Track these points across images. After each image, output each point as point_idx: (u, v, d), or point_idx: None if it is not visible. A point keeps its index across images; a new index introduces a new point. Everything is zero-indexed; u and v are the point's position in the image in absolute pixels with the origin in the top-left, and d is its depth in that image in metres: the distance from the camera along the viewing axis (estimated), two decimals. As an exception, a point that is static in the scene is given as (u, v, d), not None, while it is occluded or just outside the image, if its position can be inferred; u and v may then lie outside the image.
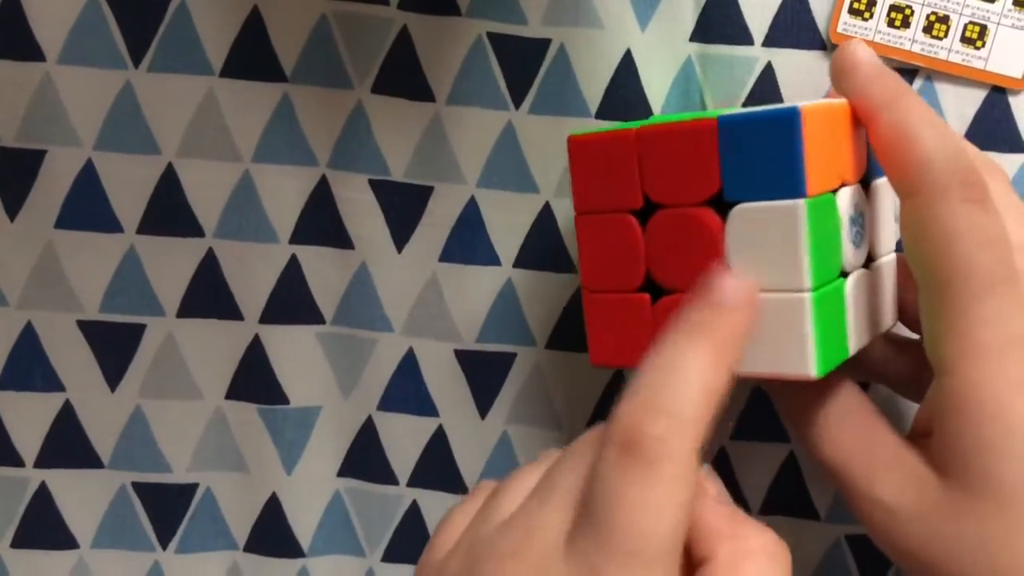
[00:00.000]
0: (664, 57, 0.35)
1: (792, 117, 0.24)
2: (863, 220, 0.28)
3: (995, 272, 0.25)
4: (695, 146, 0.26)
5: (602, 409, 0.36)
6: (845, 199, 0.27)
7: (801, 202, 0.24)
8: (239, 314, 0.36)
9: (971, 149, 0.30)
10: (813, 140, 0.25)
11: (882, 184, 0.29)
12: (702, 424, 0.23)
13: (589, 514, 0.23)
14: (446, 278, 0.36)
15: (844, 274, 0.27)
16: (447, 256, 0.36)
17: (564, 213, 0.35)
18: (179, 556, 0.37)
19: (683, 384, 0.24)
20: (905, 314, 0.31)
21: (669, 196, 0.27)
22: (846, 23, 0.34)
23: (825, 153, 0.26)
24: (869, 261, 0.29)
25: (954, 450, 0.25)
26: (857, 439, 0.28)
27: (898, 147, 0.26)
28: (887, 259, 0.30)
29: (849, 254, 0.27)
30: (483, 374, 0.36)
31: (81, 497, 0.37)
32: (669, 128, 0.26)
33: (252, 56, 0.35)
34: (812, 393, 0.29)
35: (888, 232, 0.30)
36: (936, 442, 0.26)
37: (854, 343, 0.27)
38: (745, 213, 0.25)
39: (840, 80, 0.28)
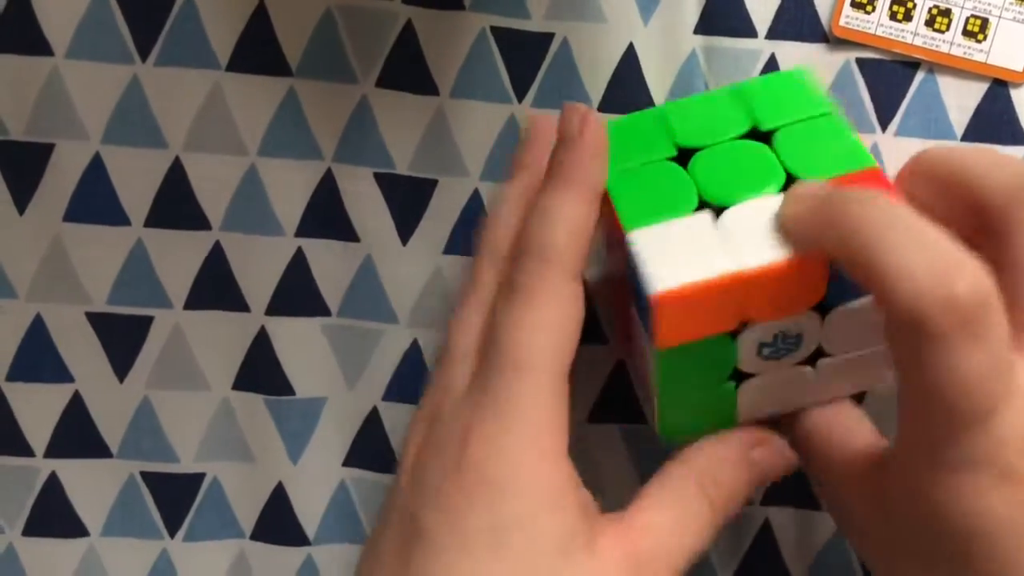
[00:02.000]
0: (667, 51, 0.35)
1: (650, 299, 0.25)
2: (796, 339, 0.28)
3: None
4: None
5: (605, 396, 0.36)
6: (749, 335, 0.27)
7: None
8: (246, 306, 0.36)
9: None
10: (673, 311, 0.26)
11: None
12: (573, 256, 0.27)
13: (484, 350, 0.27)
14: (451, 270, 0.36)
15: (742, 374, 0.28)
16: (451, 248, 0.36)
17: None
18: (187, 544, 0.37)
19: (552, 227, 0.27)
20: None
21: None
22: (849, 16, 0.35)
23: (701, 311, 0.26)
24: (819, 357, 0.29)
25: None
26: None
27: (959, 181, 0.27)
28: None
29: (753, 365, 0.28)
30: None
31: (90, 486, 0.37)
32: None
33: (258, 50, 0.35)
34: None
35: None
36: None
37: (750, 415, 0.30)
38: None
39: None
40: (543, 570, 0.25)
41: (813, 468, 0.30)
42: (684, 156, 0.29)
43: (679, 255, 0.26)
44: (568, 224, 0.27)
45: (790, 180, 0.27)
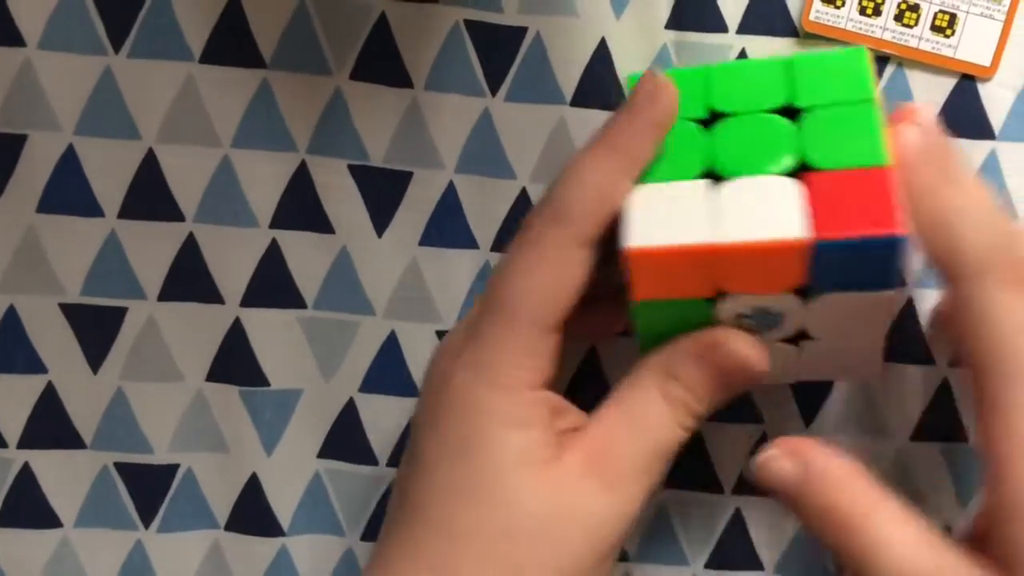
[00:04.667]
0: (639, 45, 0.35)
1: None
2: (776, 316, 0.28)
3: None
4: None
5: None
6: (728, 303, 0.28)
7: None
8: (220, 298, 0.36)
9: None
10: (644, 269, 0.27)
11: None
12: (586, 222, 0.27)
13: (483, 296, 0.29)
14: (426, 262, 0.36)
15: None
16: (427, 240, 0.36)
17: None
18: (161, 535, 0.37)
19: (572, 189, 0.28)
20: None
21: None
22: (819, 11, 0.35)
23: (674, 274, 0.27)
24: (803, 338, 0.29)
25: (1013, 559, 0.25)
26: None
27: (933, 236, 0.27)
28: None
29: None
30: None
31: (64, 477, 0.37)
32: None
33: (231, 42, 0.35)
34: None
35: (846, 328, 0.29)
36: (994, 549, 0.26)
37: None
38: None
39: None
40: (505, 478, 0.27)
41: None
42: (715, 119, 0.29)
43: (662, 217, 0.27)
44: (589, 191, 0.28)
45: (803, 166, 0.27)
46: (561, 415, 0.29)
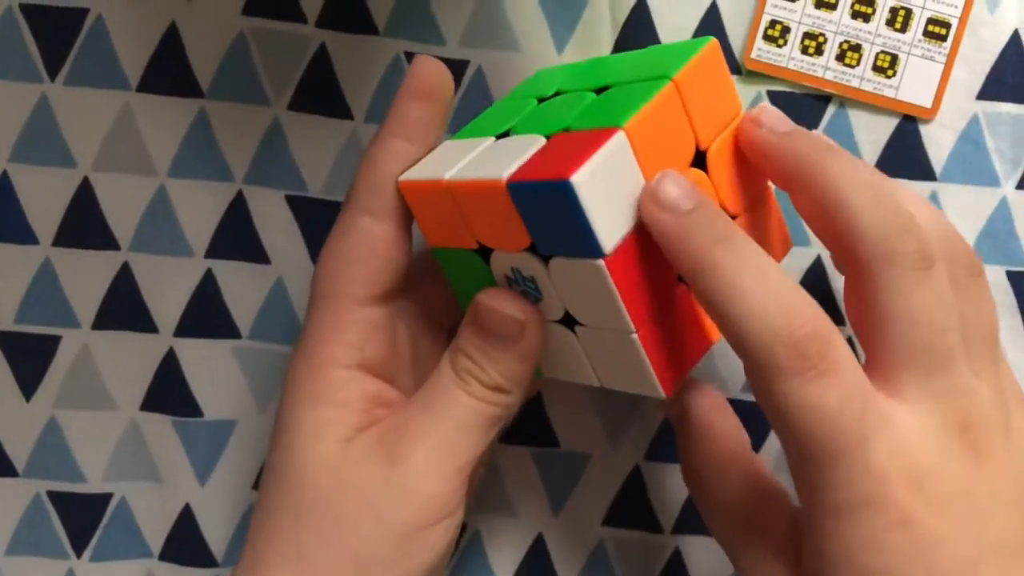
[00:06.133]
0: (579, 80, 0.35)
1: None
2: (533, 281, 0.27)
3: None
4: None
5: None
6: (494, 261, 0.28)
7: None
8: (154, 327, 0.36)
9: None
10: (412, 205, 0.29)
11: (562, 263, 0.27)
12: (370, 195, 0.29)
13: None
14: (364, 294, 0.36)
15: None
16: (365, 272, 0.36)
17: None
18: (94, 564, 0.37)
19: (361, 172, 0.29)
20: None
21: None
22: (760, 49, 0.35)
23: (432, 214, 0.28)
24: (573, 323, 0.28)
25: None
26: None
27: (823, 211, 0.26)
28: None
29: None
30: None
31: (-6, 505, 0.37)
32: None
33: (169, 71, 0.35)
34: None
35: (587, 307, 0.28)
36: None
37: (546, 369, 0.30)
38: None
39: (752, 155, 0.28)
40: (297, 456, 0.28)
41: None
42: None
43: (436, 161, 0.28)
44: (370, 168, 0.29)
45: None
46: (381, 403, 0.29)
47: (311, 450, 0.28)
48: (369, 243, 0.28)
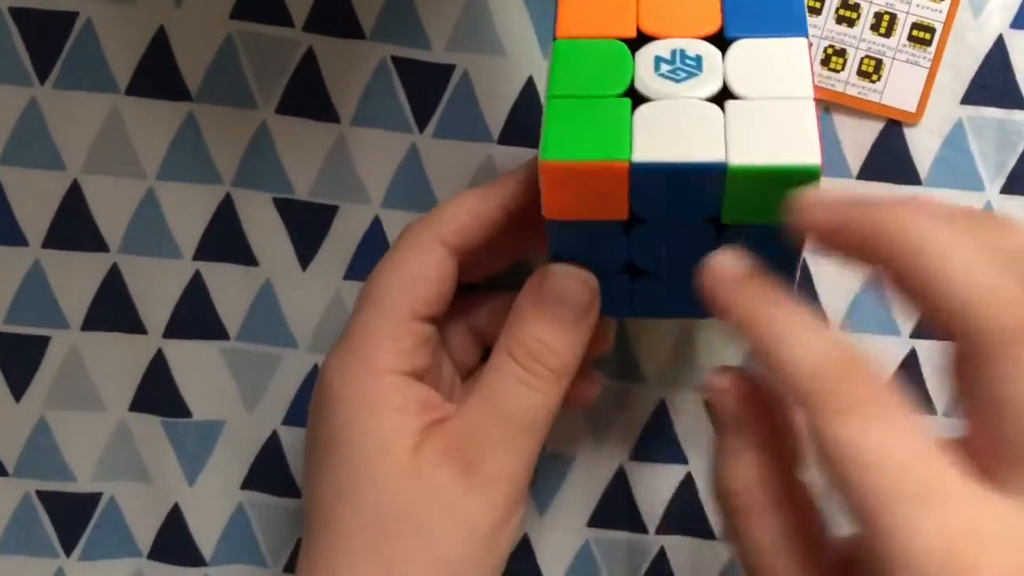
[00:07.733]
0: (565, 84, 0.35)
1: None
2: (697, 61, 0.27)
3: None
4: None
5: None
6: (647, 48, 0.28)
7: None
8: (143, 328, 0.36)
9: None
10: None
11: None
12: (449, 226, 0.30)
13: None
14: (351, 296, 0.36)
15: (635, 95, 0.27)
16: (352, 274, 0.36)
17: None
18: (83, 563, 0.37)
19: (451, 202, 0.31)
20: None
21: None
22: (746, 54, 0.35)
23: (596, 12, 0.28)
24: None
25: None
26: None
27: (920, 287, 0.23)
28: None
29: (650, 82, 0.27)
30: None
31: (-16, 505, 0.37)
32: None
33: (157, 74, 0.35)
34: None
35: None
36: None
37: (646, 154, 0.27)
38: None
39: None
40: (368, 469, 0.28)
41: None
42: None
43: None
44: (460, 203, 0.30)
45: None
46: (434, 408, 0.29)
47: (381, 462, 0.28)
48: (440, 271, 0.30)
